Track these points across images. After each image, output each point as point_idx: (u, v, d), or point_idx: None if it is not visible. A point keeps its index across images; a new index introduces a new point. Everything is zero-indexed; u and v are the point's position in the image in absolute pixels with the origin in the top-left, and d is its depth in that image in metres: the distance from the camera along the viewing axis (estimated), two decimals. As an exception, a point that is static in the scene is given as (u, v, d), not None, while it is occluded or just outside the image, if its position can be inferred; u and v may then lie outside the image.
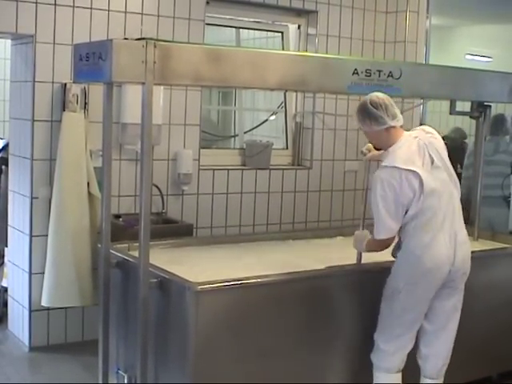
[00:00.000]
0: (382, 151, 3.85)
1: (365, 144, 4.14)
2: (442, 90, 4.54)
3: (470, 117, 5.19)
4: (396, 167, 3.57)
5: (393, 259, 3.82)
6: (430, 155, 3.68)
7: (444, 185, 3.70)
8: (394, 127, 3.68)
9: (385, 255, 3.88)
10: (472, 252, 4.59)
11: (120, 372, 3.91)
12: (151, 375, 3.62)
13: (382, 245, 3.73)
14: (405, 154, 3.62)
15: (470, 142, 7.07)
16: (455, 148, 7.25)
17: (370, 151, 4.09)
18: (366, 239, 3.87)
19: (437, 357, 3.92)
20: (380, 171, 3.64)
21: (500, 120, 6.26)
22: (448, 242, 3.69)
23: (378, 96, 3.69)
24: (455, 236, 3.72)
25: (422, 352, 3.93)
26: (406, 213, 3.62)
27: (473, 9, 7.59)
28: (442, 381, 3.98)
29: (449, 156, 5.77)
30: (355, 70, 3.99)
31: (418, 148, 3.67)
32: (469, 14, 7.97)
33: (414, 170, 3.57)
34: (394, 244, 3.79)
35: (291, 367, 3.77)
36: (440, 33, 7.54)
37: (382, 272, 3.83)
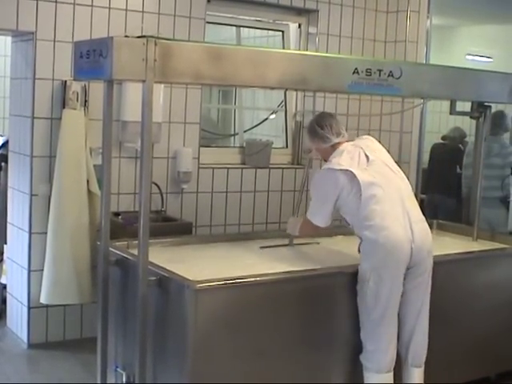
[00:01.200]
0: None
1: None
2: (442, 90, 4.53)
3: (470, 117, 5.19)
4: (329, 169, 3.94)
5: None
6: (365, 155, 3.96)
7: (385, 177, 3.93)
8: (338, 143, 4.04)
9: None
10: (471, 252, 4.63)
11: (118, 370, 3.91)
12: (150, 373, 3.61)
13: (312, 228, 4.11)
14: (339, 158, 3.96)
15: (469, 141, 7.07)
16: (454, 148, 7.26)
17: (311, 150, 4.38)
18: (299, 224, 4.27)
19: (417, 344, 3.98)
20: (317, 173, 4.08)
21: (499, 117, 6.26)
22: (402, 222, 3.82)
23: (323, 117, 4.12)
24: (408, 215, 3.86)
25: (403, 341, 3.97)
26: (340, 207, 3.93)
27: (473, 9, 7.60)
28: (423, 368, 4.02)
29: (448, 156, 5.78)
30: (355, 69, 3.99)
31: (353, 151, 3.98)
32: (469, 14, 7.99)
33: (346, 168, 3.87)
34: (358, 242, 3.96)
35: (289, 366, 3.76)
36: (441, 33, 7.56)
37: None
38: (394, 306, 3.85)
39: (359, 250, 3.94)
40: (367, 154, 3.97)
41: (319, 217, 4.01)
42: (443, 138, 7.42)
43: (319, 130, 4.04)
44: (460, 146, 7.26)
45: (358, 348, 3.91)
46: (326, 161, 4.10)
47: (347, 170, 3.86)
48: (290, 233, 4.44)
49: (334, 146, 4.04)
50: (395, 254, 3.77)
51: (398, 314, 3.89)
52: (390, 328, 3.86)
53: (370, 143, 4.10)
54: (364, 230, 3.85)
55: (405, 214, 3.85)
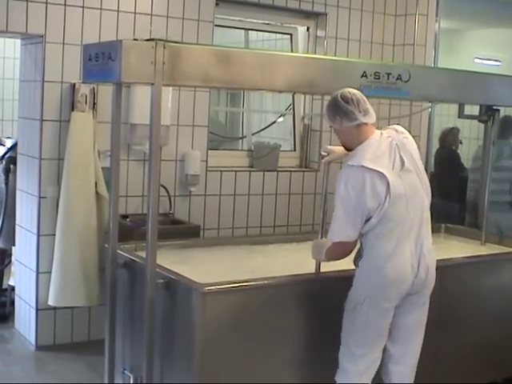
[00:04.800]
0: (341, 152, 3.69)
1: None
2: (450, 94, 4.53)
3: (479, 120, 5.19)
4: (363, 166, 3.31)
5: None
6: (400, 157, 3.42)
7: (413, 190, 3.42)
8: (365, 124, 3.43)
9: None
10: (479, 256, 4.62)
11: (126, 372, 3.91)
12: (157, 376, 3.62)
13: (340, 251, 3.43)
14: (373, 153, 3.37)
15: (467, 144, 7.03)
16: (449, 151, 7.15)
17: (329, 154, 3.83)
18: (326, 247, 3.53)
19: (403, 375, 3.63)
20: (345, 170, 3.38)
21: (508, 122, 6.25)
22: (414, 252, 3.42)
23: (350, 91, 3.47)
24: (421, 245, 3.44)
25: (388, 369, 3.63)
26: (368, 220, 3.35)
27: (482, 12, 7.58)
28: None
29: (445, 161, 5.49)
30: (364, 72, 3.99)
31: (390, 148, 3.42)
32: (478, 17, 7.96)
33: (382, 171, 3.31)
34: (355, 252, 3.52)
35: (297, 369, 3.76)
36: (449, 36, 7.53)
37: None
38: (384, 333, 3.52)
39: (356, 264, 3.53)
40: (402, 156, 3.42)
41: (340, 233, 3.37)
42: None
43: (344, 105, 3.41)
44: (453, 148, 7.12)
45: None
46: (347, 149, 3.49)
47: (382, 175, 3.29)
48: (314, 258, 3.72)
49: (361, 129, 3.42)
50: (397, 287, 3.42)
51: (386, 345, 3.56)
52: (375, 352, 3.53)
53: (405, 141, 3.51)
54: (373, 247, 3.42)
55: (418, 243, 3.43)
